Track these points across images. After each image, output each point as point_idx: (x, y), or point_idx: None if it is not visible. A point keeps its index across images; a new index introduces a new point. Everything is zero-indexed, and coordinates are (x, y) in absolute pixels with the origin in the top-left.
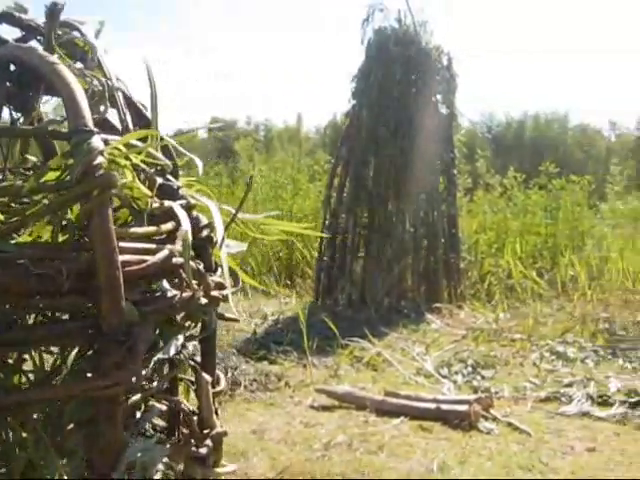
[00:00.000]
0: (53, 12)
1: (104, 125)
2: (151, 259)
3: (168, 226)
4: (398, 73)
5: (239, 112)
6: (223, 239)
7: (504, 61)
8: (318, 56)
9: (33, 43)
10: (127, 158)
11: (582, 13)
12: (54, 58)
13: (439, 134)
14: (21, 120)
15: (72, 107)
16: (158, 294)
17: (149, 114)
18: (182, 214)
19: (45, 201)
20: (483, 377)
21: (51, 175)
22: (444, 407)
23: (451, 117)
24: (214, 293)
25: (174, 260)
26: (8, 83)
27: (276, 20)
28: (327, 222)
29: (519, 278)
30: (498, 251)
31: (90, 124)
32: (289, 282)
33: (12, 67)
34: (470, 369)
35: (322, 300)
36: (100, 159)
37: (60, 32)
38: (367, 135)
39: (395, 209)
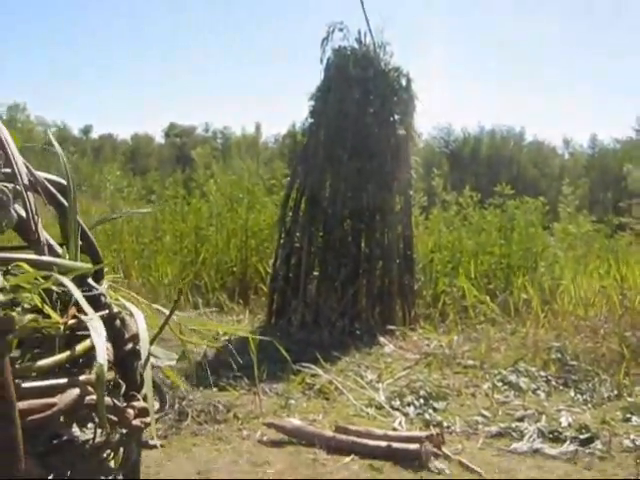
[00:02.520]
0: None
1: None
2: (58, 404)
3: (86, 344)
4: (356, 93)
5: (197, 118)
6: (148, 357)
7: (462, 77)
8: (278, 67)
9: None
10: (35, 279)
11: (536, 30)
12: None
13: (396, 154)
14: None
15: None
16: (66, 438)
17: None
18: (96, 334)
19: None
20: (435, 409)
21: None
22: (395, 445)
23: (408, 138)
24: (136, 422)
25: (87, 399)
26: None
27: (242, 29)
28: (282, 241)
29: (473, 302)
30: (453, 270)
31: None
32: (242, 299)
33: None
34: (422, 400)
35: (275, 320)
36: None
37: None
38: (324, 154)
39: (350, 229)
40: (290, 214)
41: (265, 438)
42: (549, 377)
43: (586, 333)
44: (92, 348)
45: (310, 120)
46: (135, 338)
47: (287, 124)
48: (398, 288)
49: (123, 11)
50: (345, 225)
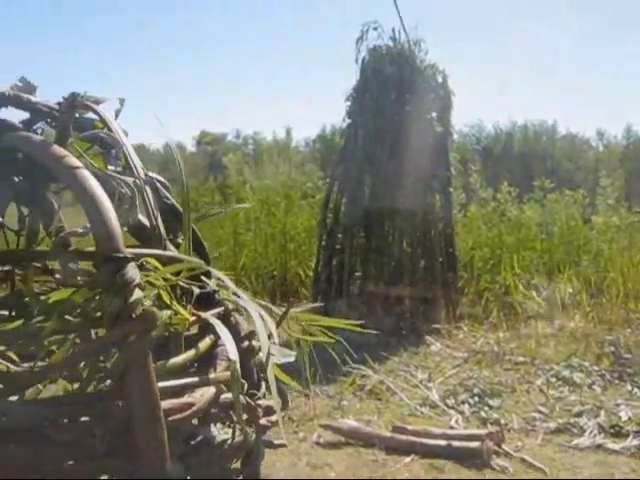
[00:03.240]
0: (72, 104)
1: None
2: (197, 404)
3: (206, 342)
4: (393, 92)
5: (228, 125)
6: (269, 355)
7: (491, 72)
8: (307, 68)
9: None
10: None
11: (568, 22)
12: (70, 158)
13: (435, 152)
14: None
15: (99, 226)
16: (202, 438)
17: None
18: (224, 332)
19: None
20: (490, 407)
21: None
22: (455, 444)
23: (447, 135)
24: (262, 421)
25: (222, 398)
26: (16, 178)
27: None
28: (323, 243)
29: (517, 298)
30: (494, 267)
31: (122, 247)
32: (284, 303)
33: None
34: (477, 398)
35: None
36: (138, 294)
37: (76, 115)
38: (362, 155)
39: (392, 229)
40: (330, 215)
41: (322, 440)
42: (603, 371)
43: (637, 325)
44: (213, 346)
45: (347, 121)
46: (251, 335)
47: (318, 127)
48: (441, 286)
49: (153, 15)
50: (386, 225)
